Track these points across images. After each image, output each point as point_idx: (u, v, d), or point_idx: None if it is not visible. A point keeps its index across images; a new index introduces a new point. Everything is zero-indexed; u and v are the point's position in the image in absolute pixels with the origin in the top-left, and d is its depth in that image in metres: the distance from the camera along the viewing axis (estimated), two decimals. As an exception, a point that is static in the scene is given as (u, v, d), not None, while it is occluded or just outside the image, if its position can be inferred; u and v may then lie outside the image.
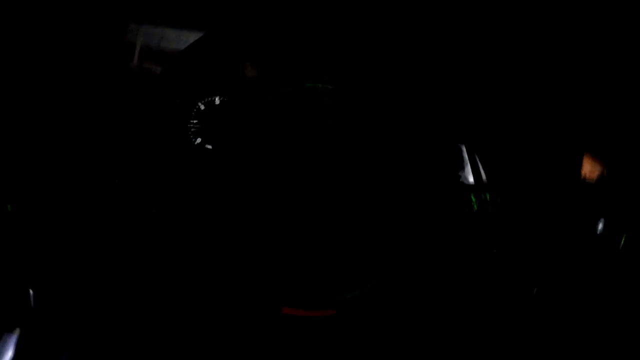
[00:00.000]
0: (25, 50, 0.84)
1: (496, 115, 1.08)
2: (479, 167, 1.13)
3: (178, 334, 0.81)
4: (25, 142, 0.82)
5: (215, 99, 0.92)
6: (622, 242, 1.09)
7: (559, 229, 1.12)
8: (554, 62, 1.03)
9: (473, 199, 1.04)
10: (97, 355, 0.75)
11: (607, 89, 1.06)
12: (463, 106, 1.04)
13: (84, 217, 0.80)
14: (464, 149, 1.12)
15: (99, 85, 0.89)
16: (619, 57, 1.01)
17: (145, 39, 0.92)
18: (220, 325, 0.82)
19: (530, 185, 1.12)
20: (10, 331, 0.67)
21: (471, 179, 1.11)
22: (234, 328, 0.82)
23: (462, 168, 1.10)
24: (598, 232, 1.12)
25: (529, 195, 1.12)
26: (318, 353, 0.83)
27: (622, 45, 0.99)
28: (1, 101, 0.80)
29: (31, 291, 0.72)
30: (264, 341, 0.82)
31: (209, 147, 0.92)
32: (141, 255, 0.83)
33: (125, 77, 0.92)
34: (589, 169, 1.09)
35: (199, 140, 0.91)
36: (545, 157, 1.12)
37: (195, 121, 0.91)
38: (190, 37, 0.91)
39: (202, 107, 0.91)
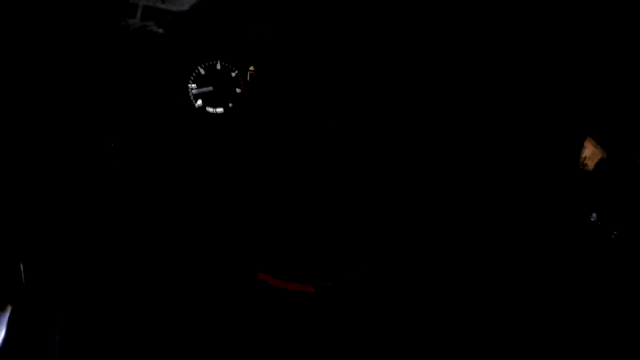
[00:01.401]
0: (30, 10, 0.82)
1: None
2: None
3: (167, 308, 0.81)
4: (24, 97, 0.81)
5: (216, 64, 0.91)
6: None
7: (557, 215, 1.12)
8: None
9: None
10: (90, 331, 0.73)
11: (610, 78, 1.06)
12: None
13: (76, 187, 0.78)
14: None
15: (100, 44, 0.88)
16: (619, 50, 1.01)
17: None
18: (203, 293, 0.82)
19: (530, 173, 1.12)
20: (2, 309, 0.63)
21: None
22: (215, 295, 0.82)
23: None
24: (592, 219, 1.13)
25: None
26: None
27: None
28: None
29: (22, 266, 0.68)
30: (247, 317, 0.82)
31: (210, 110, 0.91)
32: (134, 225, 0.83)
33: (127, 36, 0.90)
34: (590, 153, 1.09)
35: (199, 103, 0.90)
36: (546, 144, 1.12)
37: (194, 85, 0.90)
38: None
39: (202, 71, 0.90)
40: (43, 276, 0.71)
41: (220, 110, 0.91)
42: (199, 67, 0.90)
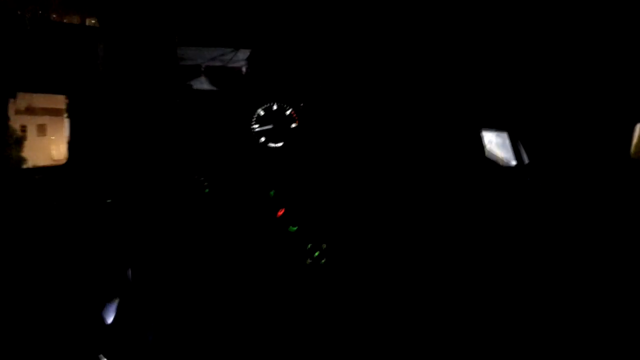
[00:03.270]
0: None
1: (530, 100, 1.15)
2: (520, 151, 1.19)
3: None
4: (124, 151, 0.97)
5: (272, 105, 1.04)
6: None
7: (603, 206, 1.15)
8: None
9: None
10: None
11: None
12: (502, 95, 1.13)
13: (174, 209, 0.93)
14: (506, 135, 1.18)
15: (180, 100, 1.03)
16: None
17: (201, 60, 1.06)
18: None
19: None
20: (111, 301, 0.80)
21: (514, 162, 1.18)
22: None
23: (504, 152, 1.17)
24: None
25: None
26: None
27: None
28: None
29: (129, 270, 0.85)
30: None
31: (272, 145, 1.04)
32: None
33: (194, 95, 1.06)
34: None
35: (262, 139, 1.03)
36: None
37: (257, 125, 1.03)
38: (233, 55, 1.04)
39: (262, 112, 1.04)
40: (144, 282, 0.85)
41: (280, 144, 1.04)
42: (259, 110, 1.04)
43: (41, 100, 0.88)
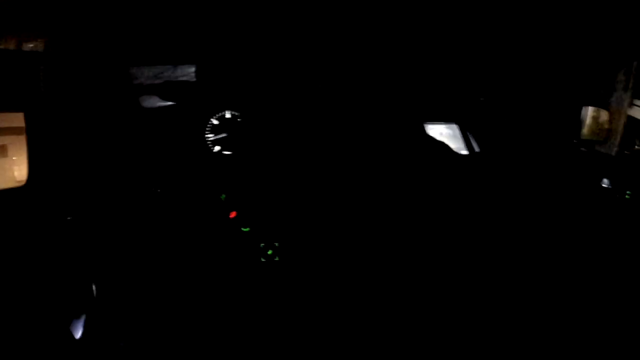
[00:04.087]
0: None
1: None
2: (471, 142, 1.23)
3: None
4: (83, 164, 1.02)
5: (225, 114, 1.10)
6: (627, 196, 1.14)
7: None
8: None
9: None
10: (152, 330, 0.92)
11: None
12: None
13: (134, 220, 0.98)
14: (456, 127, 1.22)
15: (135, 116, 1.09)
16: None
17: (147, 77, 1.11)
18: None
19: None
20: (78, 317, 0.85)
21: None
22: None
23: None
24: (604, 185, 1.18)
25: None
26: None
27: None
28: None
29: (94, 285, 0.90)
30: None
31: (227, 153, 1.09)
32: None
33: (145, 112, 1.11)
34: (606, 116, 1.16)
35: (217, 148, 1.09)
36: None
37: (211, 134, 1.09)
38: (184, 70, 1.10)
39: (215, 121, 1.09)
40: (110, 294, 0.90)
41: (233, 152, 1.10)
42: (212, 119, 1.09)
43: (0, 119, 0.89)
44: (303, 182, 1.07)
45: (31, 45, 0.97)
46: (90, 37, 1.00)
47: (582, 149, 1.23)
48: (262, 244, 1.00)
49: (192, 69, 1.08)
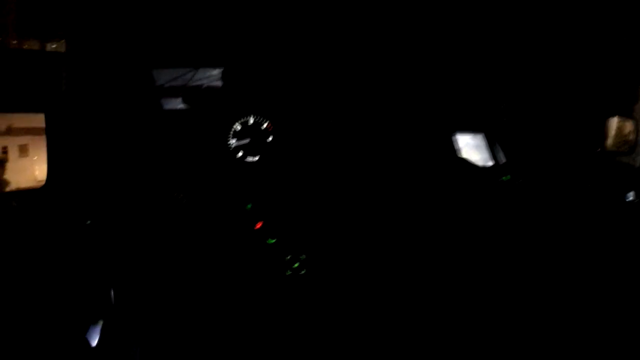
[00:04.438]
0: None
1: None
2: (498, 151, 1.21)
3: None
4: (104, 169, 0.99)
5: (249, 119, 1.07)
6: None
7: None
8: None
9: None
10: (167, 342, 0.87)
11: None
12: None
13: (157, 225, 0.94)
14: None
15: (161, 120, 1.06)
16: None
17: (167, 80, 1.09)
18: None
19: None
20: (95, 323, 0.81)
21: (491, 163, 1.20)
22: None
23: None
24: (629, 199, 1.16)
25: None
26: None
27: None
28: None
29: (112, 291, 0.85)
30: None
31: (251, 159, 1.07)
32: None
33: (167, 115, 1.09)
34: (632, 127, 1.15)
35: (240, 154, 1.06)
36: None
37: (234, 139, 1.06)
38: (206, 73, 1.07)
39: (239, 127, 1.07)
40: (129, 300, 0.86)
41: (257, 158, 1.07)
42: (236, 124, 1.07)
43: (22, 120, 0.88)
44: (332, 192, 1.04)
45: (54, 46, 0.96)
46: (112, 38, 0.99)
47: (606, 160, 1.22)
48: (289, 257, 0.96)
49: (215, 72, 1.06)
